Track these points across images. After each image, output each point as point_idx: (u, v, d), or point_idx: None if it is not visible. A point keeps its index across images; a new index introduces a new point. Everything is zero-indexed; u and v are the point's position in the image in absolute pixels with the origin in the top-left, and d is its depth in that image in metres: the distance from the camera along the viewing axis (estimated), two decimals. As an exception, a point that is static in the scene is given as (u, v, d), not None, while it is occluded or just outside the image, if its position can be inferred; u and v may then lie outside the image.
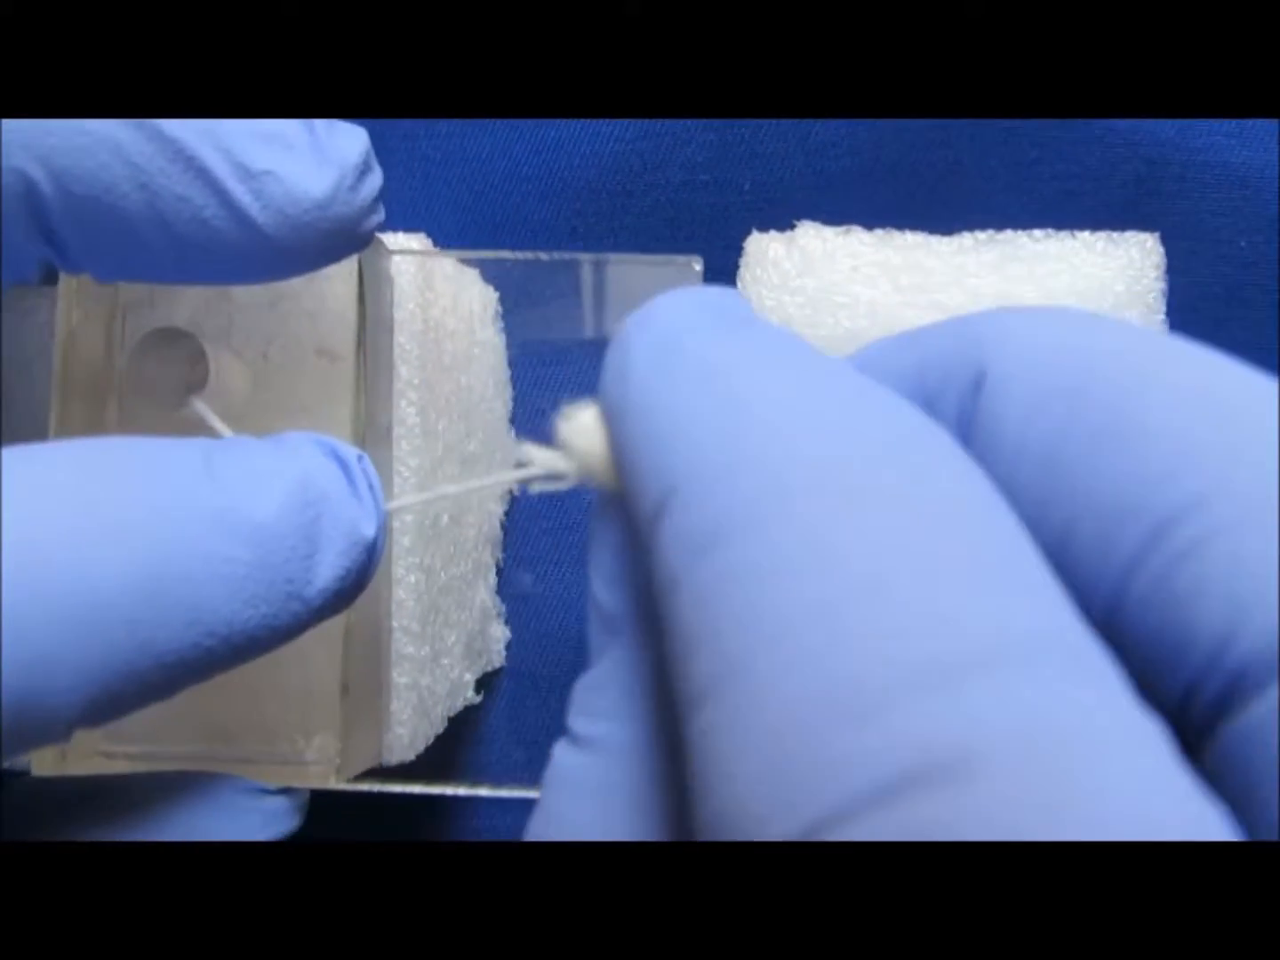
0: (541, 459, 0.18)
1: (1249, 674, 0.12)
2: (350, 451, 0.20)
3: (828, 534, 0.12)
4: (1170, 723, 0.12)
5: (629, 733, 0.16)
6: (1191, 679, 0.13)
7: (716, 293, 0.17)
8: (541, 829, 0.17)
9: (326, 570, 0.19)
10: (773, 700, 0.11)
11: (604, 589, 0.18)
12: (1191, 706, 0.13)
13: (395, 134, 0.33)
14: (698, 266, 0.23)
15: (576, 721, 0.17)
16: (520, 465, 0.18)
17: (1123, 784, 0.10)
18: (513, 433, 0.33)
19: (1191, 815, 0.11)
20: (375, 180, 0.21)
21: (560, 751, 0.17)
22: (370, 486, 0.20)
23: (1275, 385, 0.14)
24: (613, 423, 0.16)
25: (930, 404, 0.16)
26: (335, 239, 0.20)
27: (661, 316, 0.16)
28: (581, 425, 0.17)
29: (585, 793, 0.16)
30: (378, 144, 0.34)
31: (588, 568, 0.18)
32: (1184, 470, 0.13)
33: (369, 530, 0.20)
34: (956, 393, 0.16)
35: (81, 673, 0.17)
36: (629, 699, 0.16)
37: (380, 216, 0.21)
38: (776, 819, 0.11)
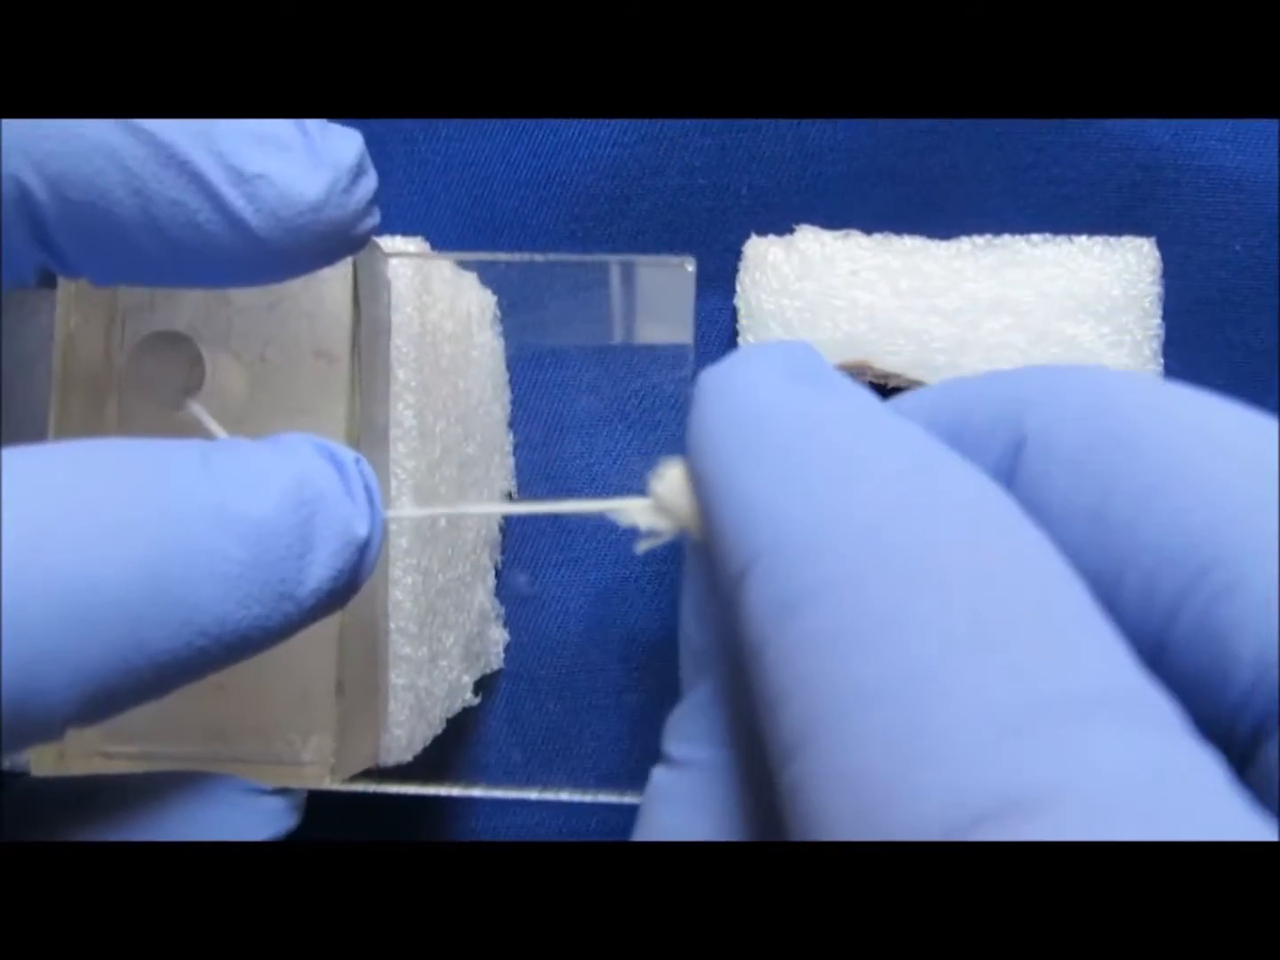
0: (637, 514, 0.19)
1: None
2: (347, 454, 0.20)
3: (910, 600, 0.13)
4: (1220, 747, 0.13)
5: (717, 756, 0.18)
6: (1234, 706, 0.14)
7: (788, 352, 0.18)
8: (643, 837, 0.18)
9: (319, 570, 0.19)
10: (859, 752, 0.12)
11: (695, 627, 0.19)
12: (1236, 731, 0.14)
13: (394, 137, 0.34)
14: (690, 267, 0.23)
15: (671, 746, 0.19)
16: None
17: (1181, 812, 0.11)
18: (511, 436, 0.33)
19: (1249, 830, 0.12)
20: (370, 183, 0.21)
21: (658, 773, 0.19)
22: (366, 488, 0.20)
23: None
24: (697, 487, 0.17)
25: (969, 458, 0.17)
26: (330, 241, 0.20)
27: (738, 381, 0.17)
28: (673, 484, 0.18)
29: (679, 805, 0.18)
30: (376, 147, 0.34)
31: (680, 606, 0.20)
32: (1223, 522, 0.14)
33: (362, 530, 0.20)
34: (996, 450, 0.17)
35: (80, 670, 0.17)
36: (717, 727, 0.18)
37: (375, 219, 0.21)
38: None
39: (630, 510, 0.19)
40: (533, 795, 0.25)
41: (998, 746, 0.12)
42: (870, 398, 0.17)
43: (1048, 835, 0.11)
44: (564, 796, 0.25)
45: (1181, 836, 0.11)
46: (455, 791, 0.26)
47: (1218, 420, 0.16)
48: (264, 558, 0.18)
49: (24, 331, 0.26)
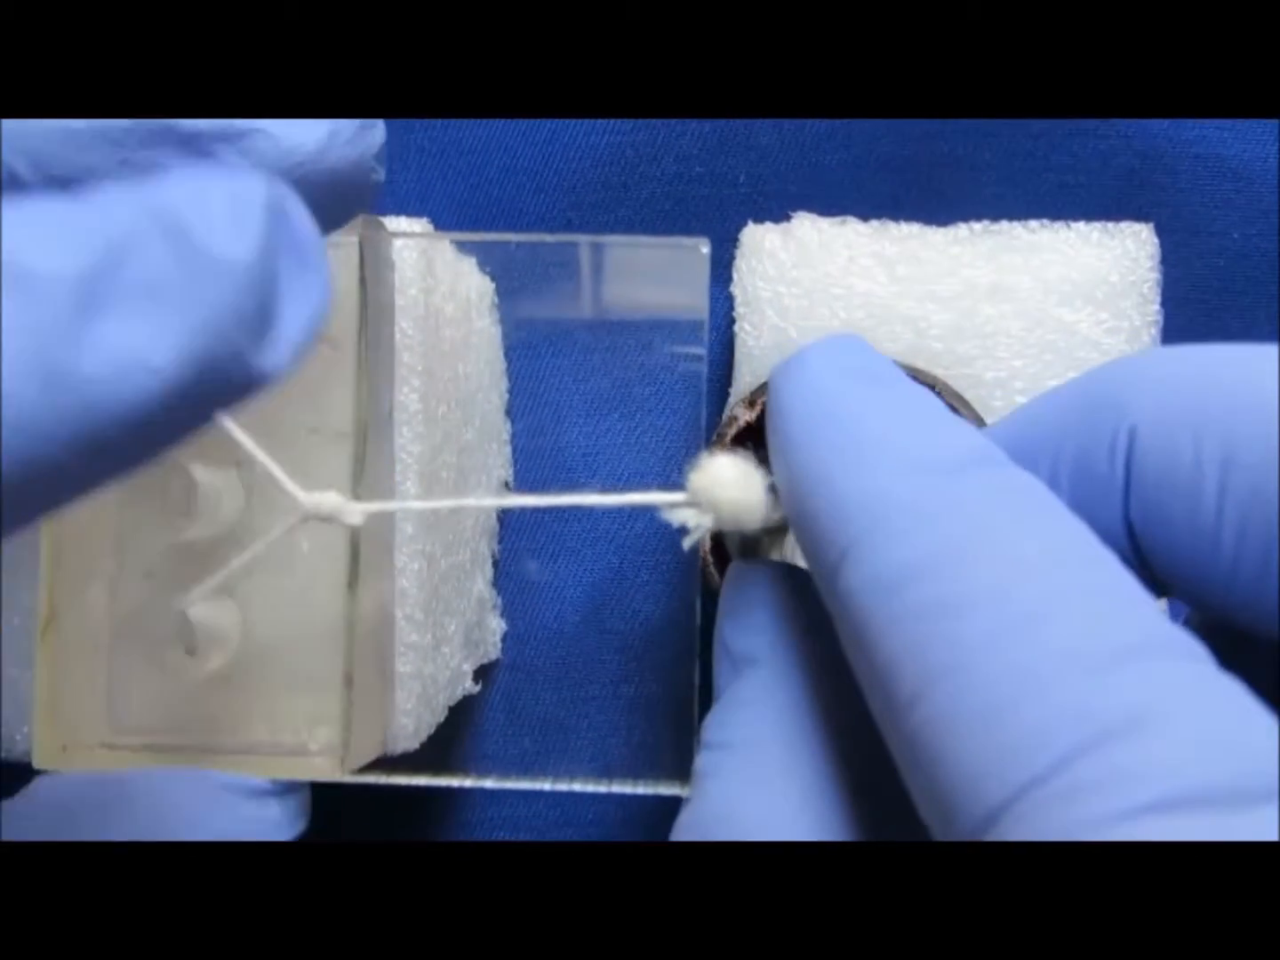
0: (677, 507, 0.20)
1: None
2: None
3: (997, 572, 0.16)
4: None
5: (762, 736, 0.19)
6: None
7: (855, 351, 0.19)
8: (689, 815, 0.19)
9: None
10: (979, 691, 0.15)
11: (737, 637, 0.21)
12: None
13: (391, 126, 0.33)
14: (705, 249, 0.23)
15: (712, 735, 0.20)
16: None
17: (1235, 725, 0.14)
18: (509, 423, 0.33)
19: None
20: (377, 135, 0.20)
21: (701, 758, 0.20)
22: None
23: None
24: (783, 487, 0.19)
25: (1070, 462, 0.19)
26: (333, 195, 0.19)
27: (812, 381, 0.19)
28: (714, 476, 0.19)
29: (727, 779, 0.19)
30: (373, 135, 0.34)
31: (720, 618, 0.21)
32: None
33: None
34: (1102, 451, 0.18)
35: None
36: (761, 718, 0.20)
37: (382, 175, 0.21)
38: (992, 780, 0.14)
39: (673, 506, 0.20)
40: (545, 786, 0.24)
41: (1102, 676, 0.14)
42: (926, 393, 0.19)
43: (1137, 757, 0.14)
44: (575, 787, 0.25)
45: (1242, 733, 0.14)
46: (468, 783, 0.25)
47: None
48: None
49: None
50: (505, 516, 0.33)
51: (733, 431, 0.26)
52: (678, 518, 0.21)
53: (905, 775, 0.16)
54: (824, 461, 0.18)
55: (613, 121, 0.33)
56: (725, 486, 0.19)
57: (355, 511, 0.22)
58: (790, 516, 0.19)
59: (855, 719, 0.18)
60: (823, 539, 0.17)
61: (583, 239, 0.27)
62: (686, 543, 0.20)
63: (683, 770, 0.24)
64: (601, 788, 0.23)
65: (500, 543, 0.33)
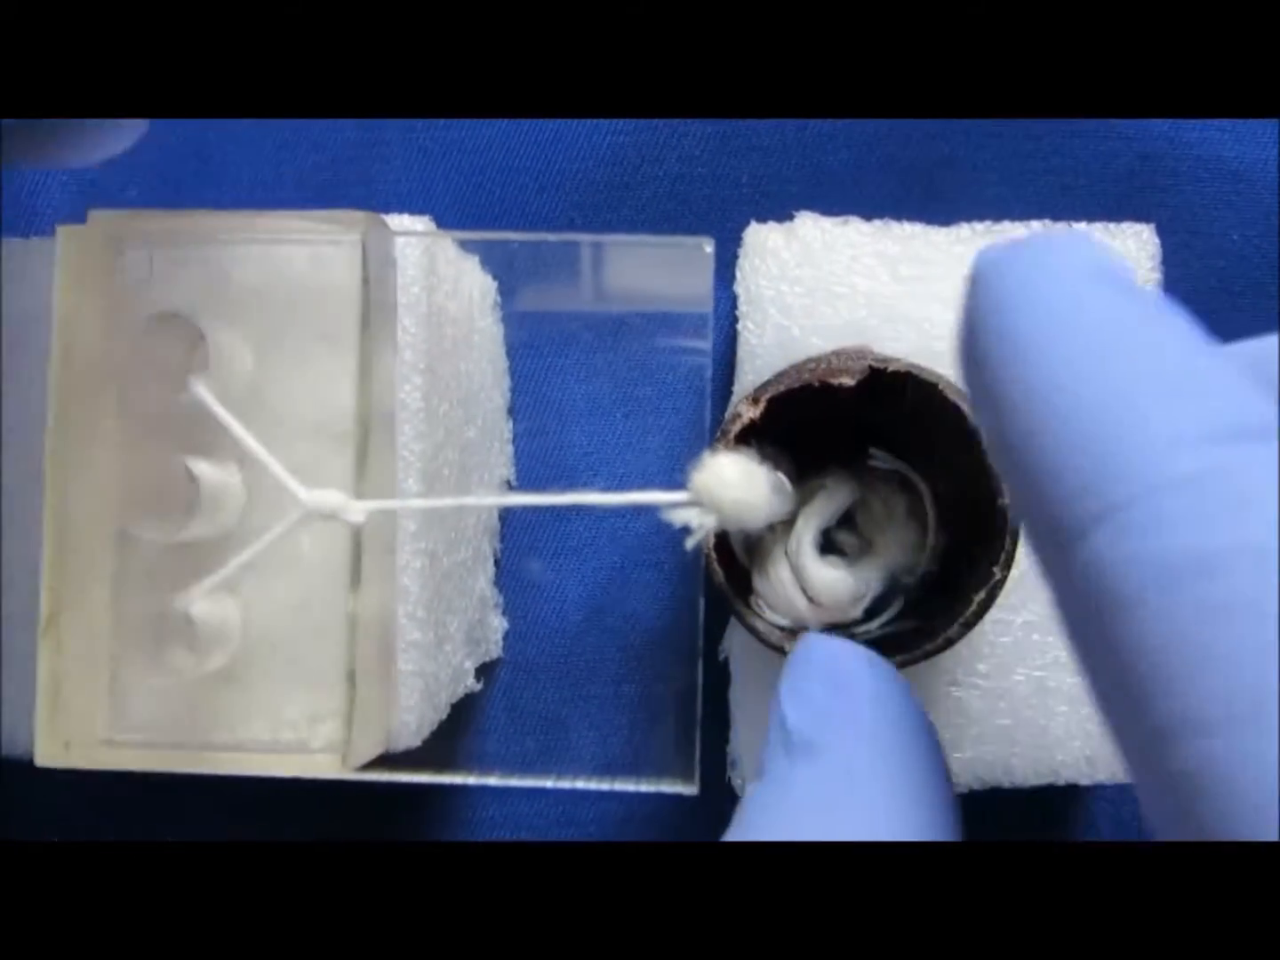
0: (680, 506, 0.20)
1: None
2: None
3: None
4: None
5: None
6: None
7: (1086, 248, 0.15)
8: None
9: None
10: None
11: (797, 714, 0.18)
12: None
13: (393, 125, 0.33)
14: (708, 248, 0.23)
15: (750, 814, 0.18)
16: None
17: None
18: (510, 422, 0.33)
19: None
20: None
21: (734, 833, 0.18)
22: None
23: None
24: (1002, 404, 0.15)
25: None
26: None
27: (1072, 286, 0.15)
28: (716, 474, 0.18)
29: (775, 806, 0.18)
30: (376, 135, 0.34)
31: (781, 690, 0.19)
32: None
33: None
34: None
35: None
36: (801, 824, 0.18)
37: None
38: None
39: (672, 505, 0.20)
40: (548, 784, 0.24)
41: None
42: (1177, 306, 0.15)
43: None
44: (578, 785, 0.25)
45: None
46: (470, 780, 0.26)
47: None
48: None
49: (22, 289, 0.25)
50: (507, 515, 0.33)
51: (736, 429, 0.26)
52: (681, 517, 0.21)
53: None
54: (1091, 393, 0.14)
55: (615, 121, 0.33)
56: (728, 485, 0.19)
57: (357, 509, 0.22)
58: (1005, 441, 0.15)
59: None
60: (1071, 484, 0.14)
61: (585, 238, 0.27)
62: (690, 542, 0.20)
63: (685, 769, 0.24)
64: (604, 785, 0.23)
65: (502, 541, 0.33)
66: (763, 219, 0.31)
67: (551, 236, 0.25)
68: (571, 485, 0.33)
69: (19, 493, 0.26)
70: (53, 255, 0.27)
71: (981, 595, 0.26)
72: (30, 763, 0.23)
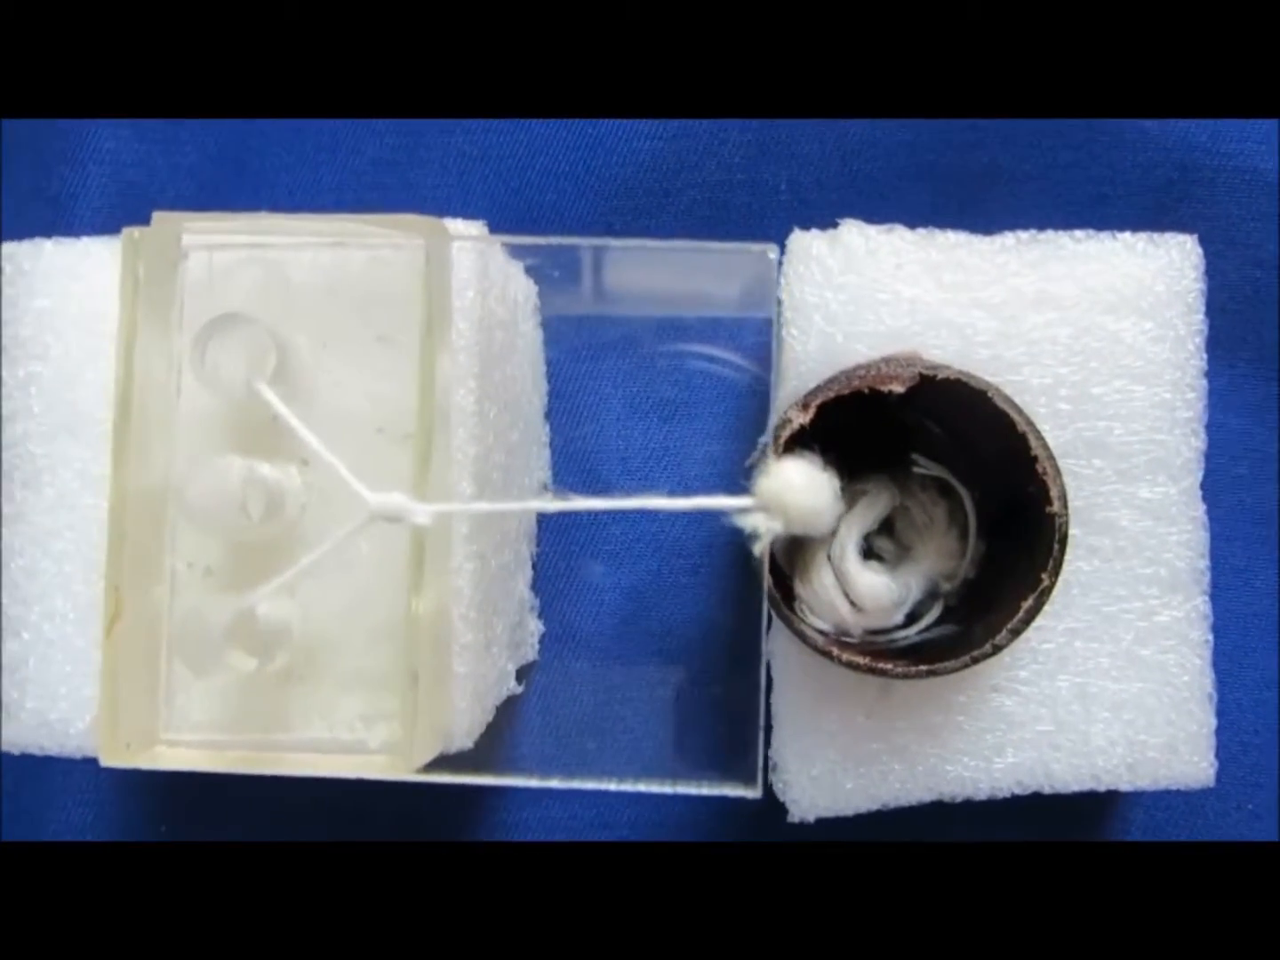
0: (746, 512, 0.20)
1: None
2: None
3: None
4: None
5: None
6: None
7: None
8: None
9: None
10: None
11: None
12: None
13: (432, 130, 0.33)
14: (773, 255, 0.23)
15: None
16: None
17: None
18: (547, 426, 0.33)
19: None
20: None
21: None
22: None
23: None
24: None
25: None
26: None
27: None
28: (785, 480, 0.19)
29: None
30: (414, 140, 0.34)
31: None
32: None
33: None
34: None
35: None
36: None
37: None
38: None
39: (740, 510, 0.20)
40: (589, 785, 0.25)
41: None
42: None
43: None
44: (626, 786, 0.25)
45: None
46: (517, 782, 0.26)
47: None
48: None
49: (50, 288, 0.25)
50: (543, 519, 0.33)
51: (786, 434, 0.26)
52: (746, 523, 0.21)
53: None
54: None
55: (655, 126, 0.33)
56: (796, 491, 0.19)
57: (423, 512, 0.23)
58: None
59: None
60: None
61: (650, 243, 0.27)
62: (757, 548, 0.20)
63: (745, 771, 0.23)
64: (665, 788, 0.23)
65: (538, 546, 0.33)
66: (802, 226, 0.32)
67: (614, 242, 0.25)
68: (606, 488, 0.33)
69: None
70: (93, 256, 0.27)
71: (1030, 602, 0.26)
72: (79, 760, 0.23)
